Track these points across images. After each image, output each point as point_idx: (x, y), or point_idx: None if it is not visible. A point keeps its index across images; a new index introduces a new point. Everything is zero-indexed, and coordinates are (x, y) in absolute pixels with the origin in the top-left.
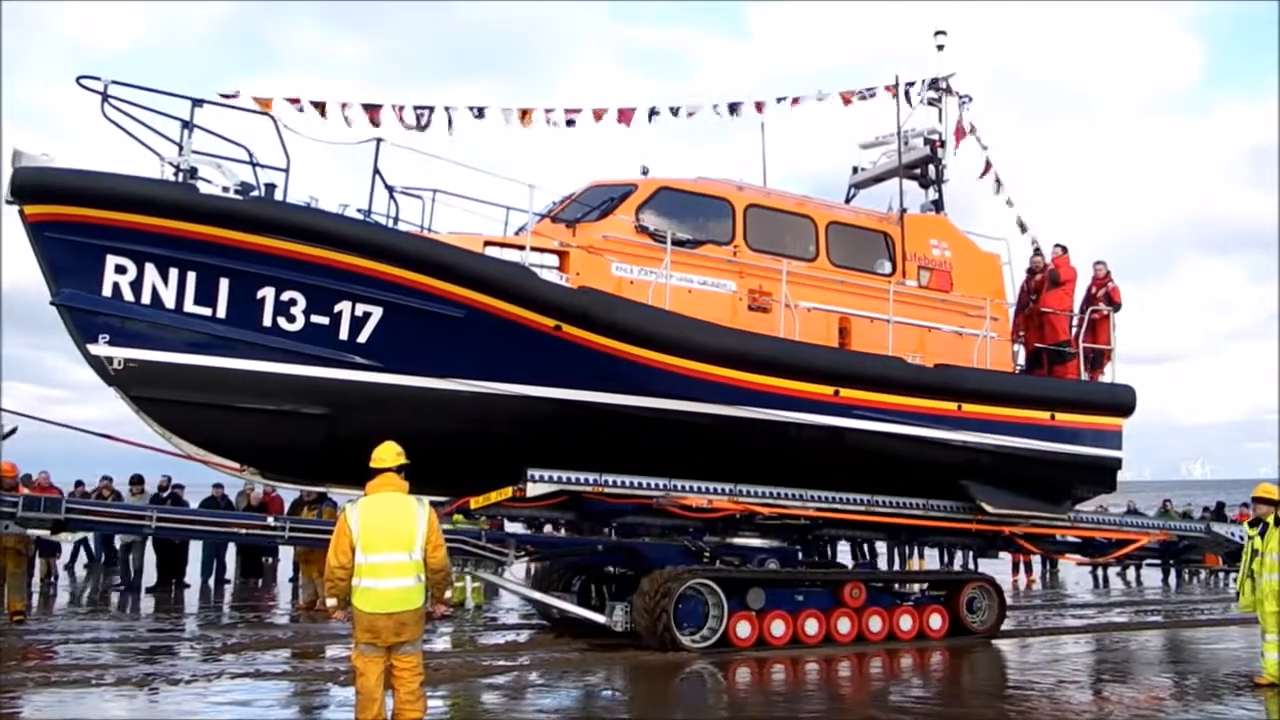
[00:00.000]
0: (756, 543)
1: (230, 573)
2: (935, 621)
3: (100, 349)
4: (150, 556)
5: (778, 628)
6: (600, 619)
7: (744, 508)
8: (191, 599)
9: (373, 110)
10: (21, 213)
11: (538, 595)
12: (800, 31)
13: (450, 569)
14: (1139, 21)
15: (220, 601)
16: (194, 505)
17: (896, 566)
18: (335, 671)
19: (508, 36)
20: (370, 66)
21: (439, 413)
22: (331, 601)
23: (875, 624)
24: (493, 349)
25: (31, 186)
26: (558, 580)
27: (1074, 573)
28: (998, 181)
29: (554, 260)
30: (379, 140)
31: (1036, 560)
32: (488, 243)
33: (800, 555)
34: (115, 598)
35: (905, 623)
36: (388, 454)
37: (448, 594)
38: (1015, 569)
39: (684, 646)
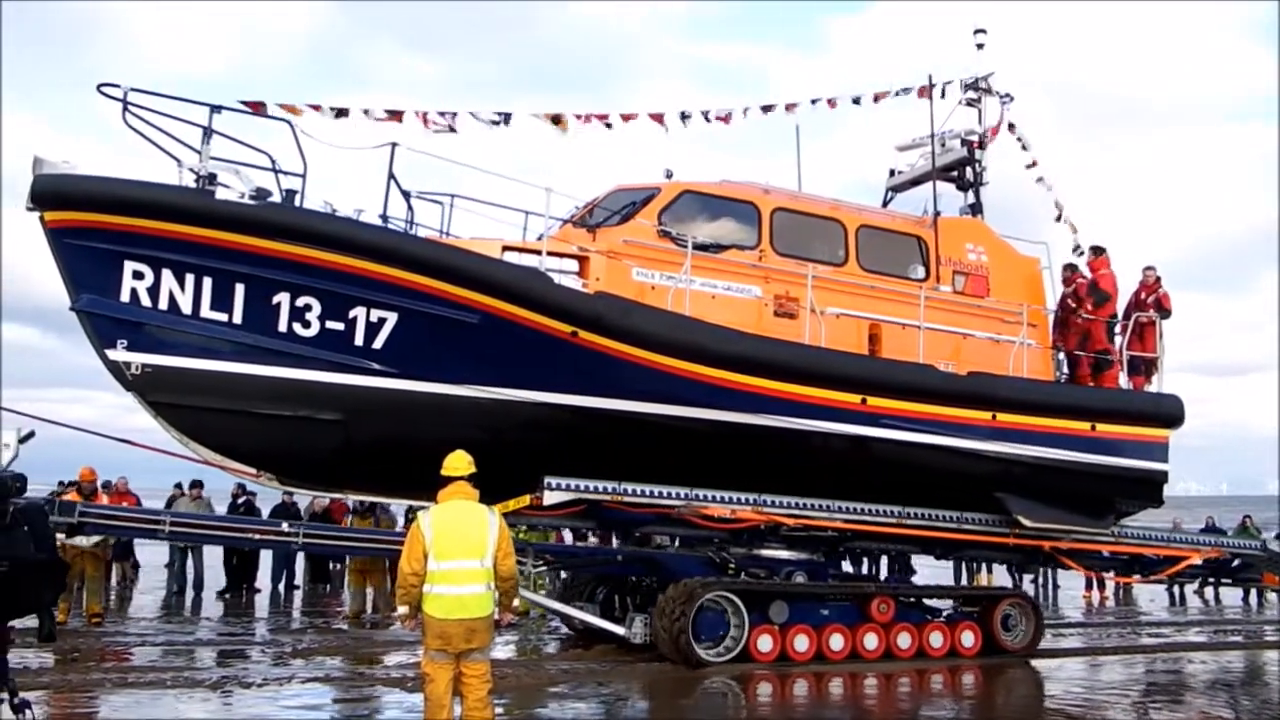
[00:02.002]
0: (784, 555)
1: (299, 578)
2: (968, 639)
3: (118, 354)
4: (218, 562)
5: (801, 643)
6: (620, 630)
7: (768, 518)
8: (262, 604)
9: (396, 115)
10: (42, 220)
11: (557, 606)
12: (878, 44)
13: (519, 577)
14: (1219, 27)
15: (289, 606)
16: (265, 513)
17: (964, 581)
18: (403, 678)
19: (585, 54)
20: (449, 84)
21: (454, 419)
22: (403, 609)
23: (904, 640)
24: (508, 355)
25: (50, 193)
26: (582, 590)
27: (1149, 590)
28: (1042, 181)
29: (573, 265)
30: (394, 144)
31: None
32: (506, 248)
33: (830, 568)
34: (189, 602)
35: (936, 640)
36: (460, 462)
37: (515, 602)
38: (1089, 585)
39: (702, 660)
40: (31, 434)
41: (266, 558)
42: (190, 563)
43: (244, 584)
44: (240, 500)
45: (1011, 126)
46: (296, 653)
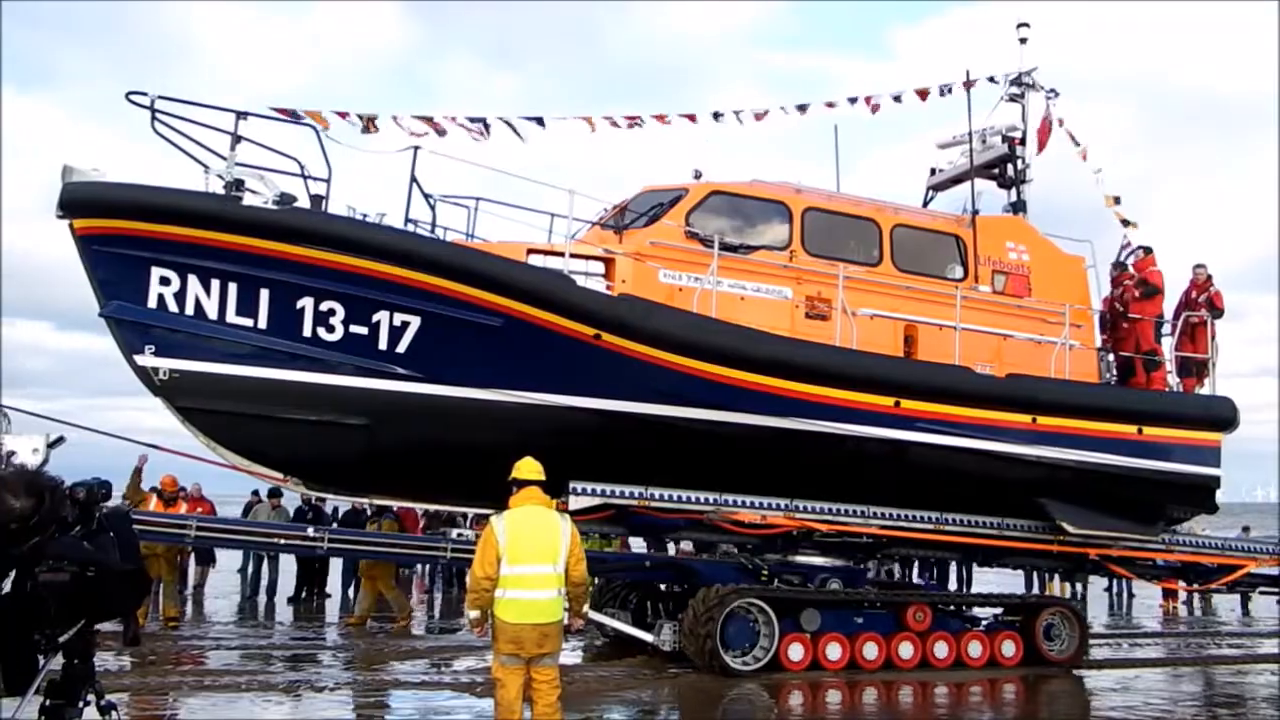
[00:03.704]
0: (819, 561)
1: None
2: (1008, 649)
3: (146, 360)
4: (291, 567)
5: (833, 651)
6: (649, 638)
7: (801, 524)
8: (332, 609)
9: (427, 120)
10: (71, 227)
11: (589, 614)
12: (944, 51)
13: (589, 583)
14: None
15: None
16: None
17: (1036, 590)
18: (472, 683)
19: (653, 65)
20: (521, 97)
21: (478, 423)
22: (474, 614)
23: (941, 650)
24: (532, 358)
25: (78, 201)
26: (614, 597)
27: (1229, 600)
28: (1097, 173)
29: (599, 268)
30: (416, 148)
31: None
32: (531, 251)
33: (868, 575)
34: (262, 606)
35: (974, 649)
36: (531, 468)
37: (585, 607)
38: (1166, 595)
39: (731, 669)
40: (61, 439)
41: (337, 563)
42: (265, 568)
43: (315, 589)
44: (308, 509)
45: (1060, 122)
46: (367, 657)
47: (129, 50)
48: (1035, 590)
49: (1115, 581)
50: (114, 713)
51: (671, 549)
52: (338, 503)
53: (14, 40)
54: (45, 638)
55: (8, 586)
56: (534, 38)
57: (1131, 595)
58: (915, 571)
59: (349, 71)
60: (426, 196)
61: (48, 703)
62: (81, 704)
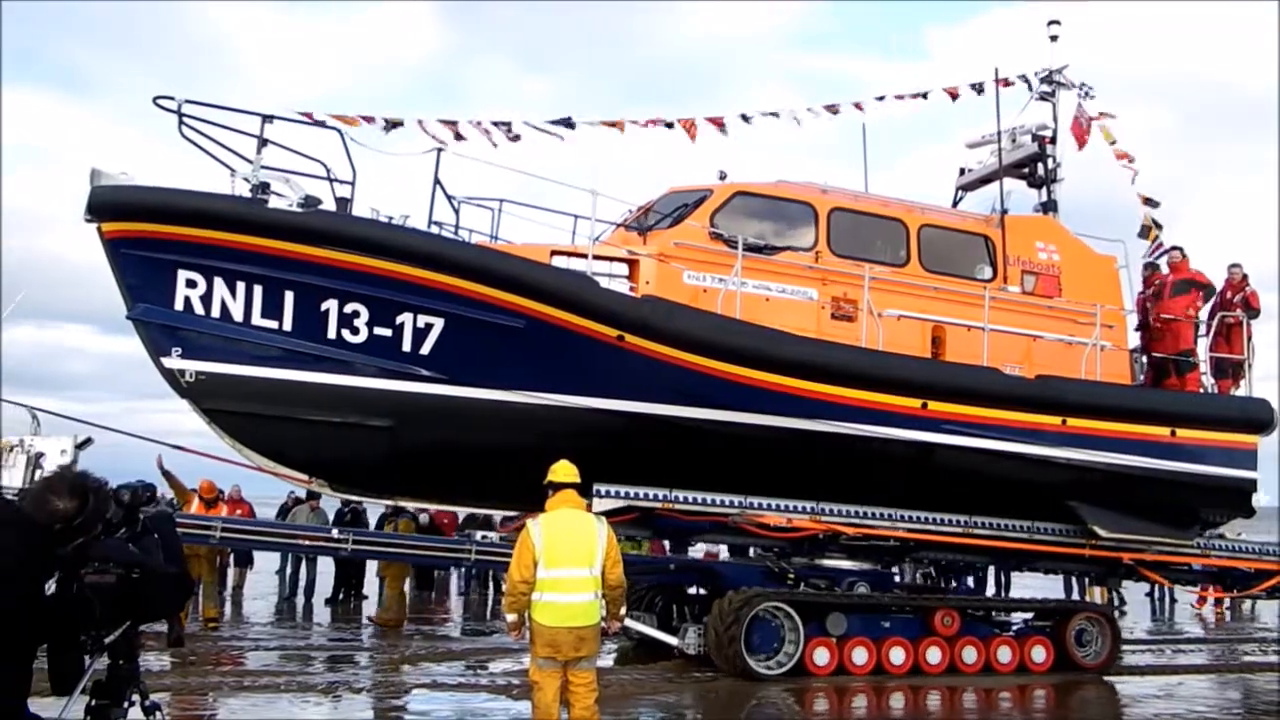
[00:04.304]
0: (846, 565)
1: (405, 585)
2: (1039, 654)
3: (173, 362)
4: (328, 569)
5: (860, 655)
6: (673, 641)
7: (827, 527)
8: (369, 610)
9: (452, 125)
10: (99, 231)
11: None
12: (979, 51)
13: (625, 586)
14: None
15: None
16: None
17: (1075, 595)
18: (509, 685)
19: (687, 69)
20: (554, 101)
21: (502, 425)
22: (512, 617)
23: (970, 655)
24: (555, 360)
25: (106, 204)
26: (639, 600)
27: (1272, 606)
28: (1133, 173)
29: (623, 269)
30: (439, 150)
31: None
32: (555, 252)
33: (905, 579)
34: (299, 607)
35: (1004, 655)
36: (567, 471)
37: (622, 610)
38: (1203, 601)
39: (755, 673)
40: (89, 440)
41: (373, 565)
42: (303, 569)
43: (352, 590)
44: (347, 511)
45: (1093, 119)
46: (403, 659)
47: (173, 58)
48: (1075, 595)
49: (1156, 586)
50: (158, 713)
51: (702, 551)
52: (379, 507)
53: (63, 49)
54: (91, 639)
55: (52, 588)
56: (568, 41)
57: (1174, 600)
58: (953, 576)
59: (386, 76)
60: (450, 199)
61: (93, 702)
62: (126, 704)
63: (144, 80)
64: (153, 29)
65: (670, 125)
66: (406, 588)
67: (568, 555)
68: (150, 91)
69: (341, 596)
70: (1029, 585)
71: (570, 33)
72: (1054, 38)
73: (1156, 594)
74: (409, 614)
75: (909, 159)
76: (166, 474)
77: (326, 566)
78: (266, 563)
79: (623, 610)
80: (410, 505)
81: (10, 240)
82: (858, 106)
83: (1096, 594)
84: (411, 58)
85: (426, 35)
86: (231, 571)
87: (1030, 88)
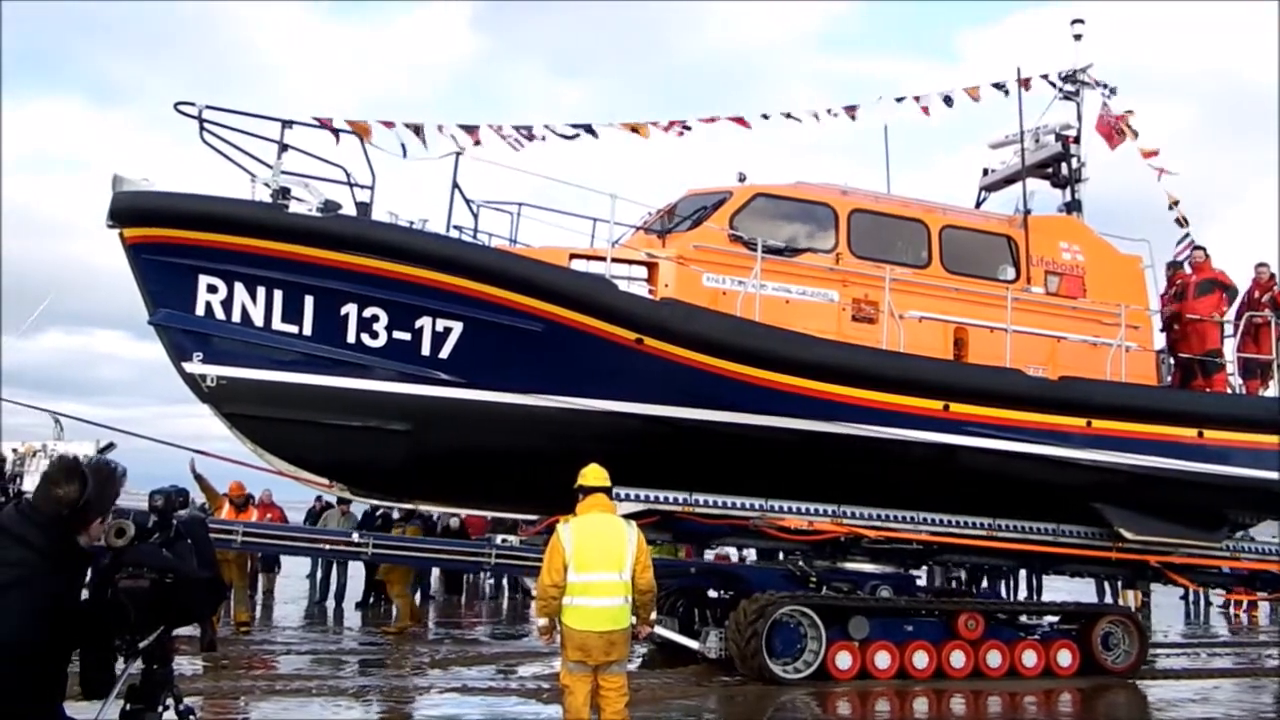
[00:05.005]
0: (868, 568)
1: (434, 589)
2: (1064, 658)
3: (194, 367)
4: (359, 573)
5: (882, 659)
6: (695, 645)
7: (848, 530)
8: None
9: (472, 130)
10: (121, 236)
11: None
12: (1010, 53)
13: (655, 591)
14: None
15: (425, 617)
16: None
17: (1108, 599)
18: (539, 689)
19: (718, 73)
20: (589, 107)
21: (521, 428)
22: (542, 621)
23: (994, 659)
24: (574, 363)
25: (128, 210)
26: (661, 604)
27: None
28: (1159, 172)
29: (641, 272)
30: (458, 154)
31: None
32: (574, 255)
33: (932, 582)
34: (330, 611)
35: (1029, 658)
36: (597, 475)
37: (652, 615)
38: (1237, 604)
39: (777, 677)
40: (111, 445)
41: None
42: (334, 573)
43: (382, 594)
44: (379, 516)
45: (1119, 117)
46: (434, 663)
47: (202, 62)
48: (1107, 599)
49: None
50: (191, 716)
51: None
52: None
53: (98, 60)
54: (125, 644)
55: (86, 594)
56: (601, 46)
57: (1209, 603)
58: (984, 579)
59: (420, 80)
60: (469, 202)
61: (128, 707)
62: (160, 708)
63: (174, 85)
64: (182, 33)
65: (688, 128)
66: (434, 590)
67: (598, 559)
68: (182, 95)
69: (372, 600)
70: (1060, 589)
71: (602, 37)
72: (1078, 37)
73: (1190, 597)
74: (439, 616)
75: (940, 160)
76: (198, 478)
77: (357, 570)
78: (294, 567)
79: (652, 615)
80: (438, 510)
81: (42, 247)
82: (880, 109)
83: (1130, 598)
84: (445, 62)
85: (461, 39)
86: (261, 576)
87: (1057, 87)
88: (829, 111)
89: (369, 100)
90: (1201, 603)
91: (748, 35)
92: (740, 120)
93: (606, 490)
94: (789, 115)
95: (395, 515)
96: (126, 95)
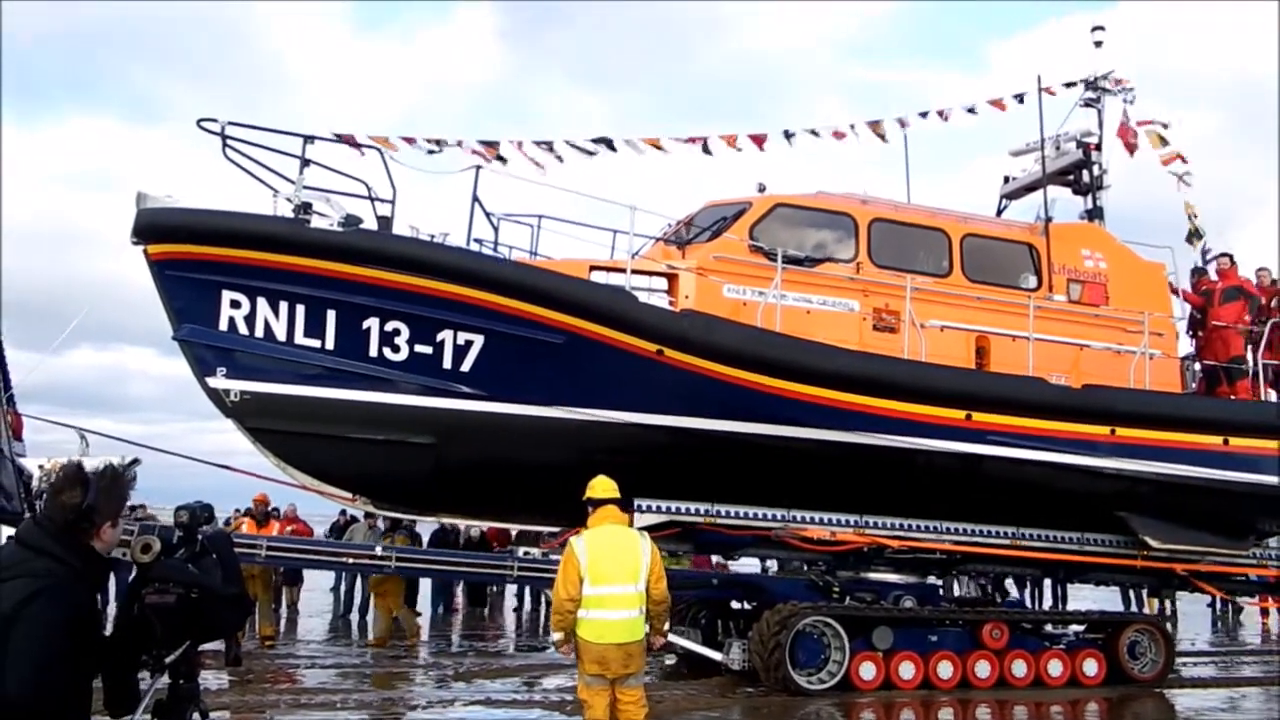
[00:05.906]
0: (892, 578)
1: (459, 602)
2: (1090, 667)
3: (218, 382)
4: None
5: (906, 670)
6: (718, 656)
7: (871, 540)
8: (422, 627)
9: (491, 147)
10: (145, 253)
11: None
12: (1040, 62)
13: (670, 601)
14: None
15: (449, 630)
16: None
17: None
18: (562, 701)
19: (743, 83)
20: (611, 117)
21: (543, 441)
22: (557, 635)
23: (1019, 668)
24: (594, 375)
25: (150, 226)
26: (684, 615)
27: None
28: (1179, 177)
29: (661, 283)
30: (478, 168)
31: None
32: (594, 267)
33: (957, 592)
34: (354, 625)
35: (1054, 668)
36: (606, 487)
37: (666, 625)
38: (1264, 613)
39: (800, 688)
40: (136, 461)
41: (426, 582)
42: (358, 586)
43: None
44: (401, 528)
45: (1142, 124)
46: (458, 675)
47: (242, 83)
48: (1134, 608)
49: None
50: None
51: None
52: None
53: (135, 78)
54: (152, 658)
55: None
56: (626, 57)
57: (1239, 610)
58: (1012, 588)
59: (448, 95)
60: (489, 215)
61: None
62: None
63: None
64: (214, 51)
65: (708, 151)
66: (458, 602)
67: (612, 572)
68: (213, 112)
69: (395, 615)
70: (1086, 598)
71: (628, 49)
72: (1098, 44)
73: (1218, 605)
74: (464, 629)
75: (964, 170)
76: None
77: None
78: (317, 581)
79: (667, 625)
80: (462, 522)
81: (75, 264)
82: (901, 123)
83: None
84: (472, 78)
85: (489, 54)
86: (284, 590)
87: (1085, 84)
88: (852, 128)
89: (400, 115)
90: (1230, 610)
91: (776, 43)
92: (758, 140)
93: (617, 502)
94: (813, 132)
95: (382, 526)
96: (162, 112)
